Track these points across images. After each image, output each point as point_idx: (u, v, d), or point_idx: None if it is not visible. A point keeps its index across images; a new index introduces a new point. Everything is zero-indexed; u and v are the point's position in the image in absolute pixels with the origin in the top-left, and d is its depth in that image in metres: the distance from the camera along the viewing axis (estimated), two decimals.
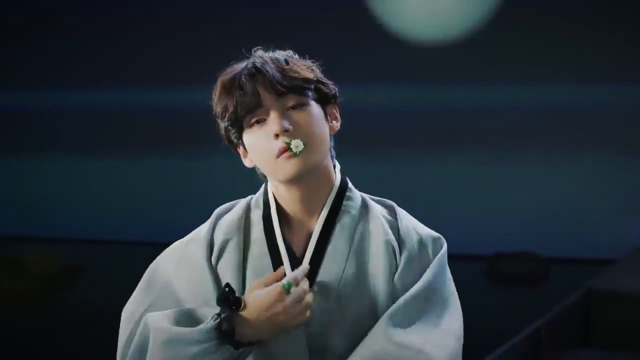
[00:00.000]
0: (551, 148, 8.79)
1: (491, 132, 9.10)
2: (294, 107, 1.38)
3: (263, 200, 1.48)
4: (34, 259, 7.88)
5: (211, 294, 1.41)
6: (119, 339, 1.50)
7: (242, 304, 1.33)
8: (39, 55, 10.60)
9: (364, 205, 1.47)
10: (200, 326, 1.31)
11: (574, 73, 8.16)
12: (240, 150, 1.47)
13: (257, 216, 1.47)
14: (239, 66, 1.45)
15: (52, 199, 10.53)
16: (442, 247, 1.48)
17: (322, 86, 1.43)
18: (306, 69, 1.43)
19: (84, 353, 5.48)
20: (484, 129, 9.14)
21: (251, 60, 1.44)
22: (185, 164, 10.42)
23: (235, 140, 1.46)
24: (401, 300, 1.37)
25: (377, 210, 1.47)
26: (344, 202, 1.44)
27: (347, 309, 1.38)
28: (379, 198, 1.52)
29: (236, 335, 1.30)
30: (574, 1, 8.18)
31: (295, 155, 1.34)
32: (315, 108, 1.41)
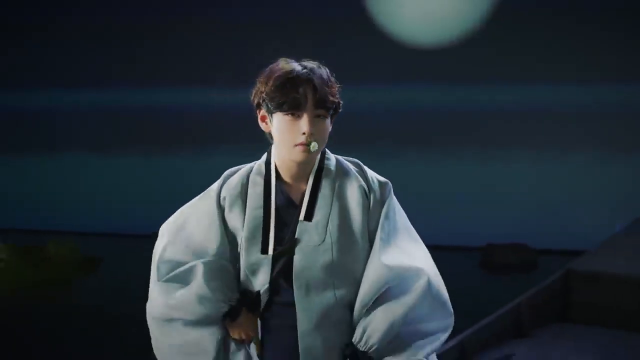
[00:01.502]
0: (540, 146, 9.06)
1: (485, 131, 9.36)
2: (318, 116, 1.82)
3: (265, 166, 1.93)
4: (55, 248, 8.21)
5: (214, 234, 1.88)
6: (154, 251, 1.99)
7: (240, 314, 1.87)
8: (60, 58, 10.89)
9: (339, 163, 1.94)
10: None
11: (563, 75, 8.37)
12: (263, 118, 1.90)
13: (258, 178, 1.92)
14: (292, 67, 1.83)
15: (72, 195, 10.83)
16: (391, 188, 1.95)
17: (338, 107, 1.89)
18: (336, 92, 1.86)
19: (99, 333, 5.88)
20: (478, 128, 9.39)
21: (304, 70, 1.83)
22: (194, 161, 10.66)
23: (265, 112, 1.88)
24: (387, 239, 1.85)
25: (348, 166, 1.95)
26: (325, 162, 1.92)
27: (334, 237, 1.84)
28: (347, 157, 1.98)
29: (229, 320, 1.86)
30: (561, 6, 8.40)
31: (308, 150, 1.82)
32: (328, 120, 1.86)
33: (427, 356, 1.82)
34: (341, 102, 1.88)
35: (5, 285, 7.59)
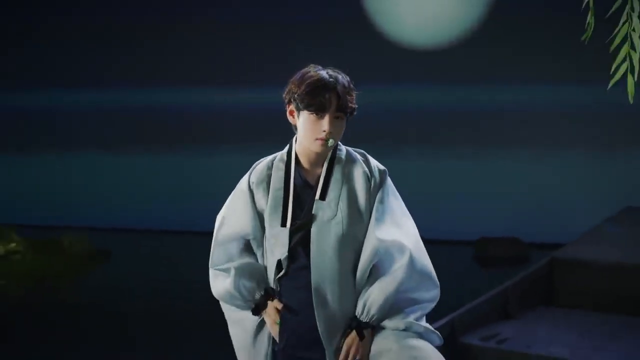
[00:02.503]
0: (533, 144, 9.35)
1: (478, 130, 9.67)
2: (337, 117, 2.20)
3: (287, 155, 2.31)
4: (68, 242, 8.59)
5: (249, 212, 2.28)
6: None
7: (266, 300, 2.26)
8: (82, 58, 11.20)
9: (348, 152, 2.32)
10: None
11: (553, 76, 8.62)
12: (292, 112, 2.26)
13: (280, 164, 2.29)
14: (321, 75, 2.20)
15: (83, 192, 11.13)
16: (388, 174, 2.33)
17: (354, 111, 2.26)
18: (354, 99, 2.25)
19: (108, 319, 6.22)
20: (472, 127, 9.68)
21: (330, 79, 2.20)
22: (196, 159, 10.99)
23: (294, 108, 2.24)
24: (380, 216, 2.21)
25: (356, 155, 2.33)
26: (337, 152, 2.29)
27: (344, 214, 2.21)
28: (355, 148, 2.36)
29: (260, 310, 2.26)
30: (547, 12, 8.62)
31: (327, 144, 2.20)
32: (344, 121, 2.24)
33: (417, 319, 2.18)
34: (356, 106, 2.25)
35: (21, 275, 7.96)
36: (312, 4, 10.03)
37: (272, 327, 2.22)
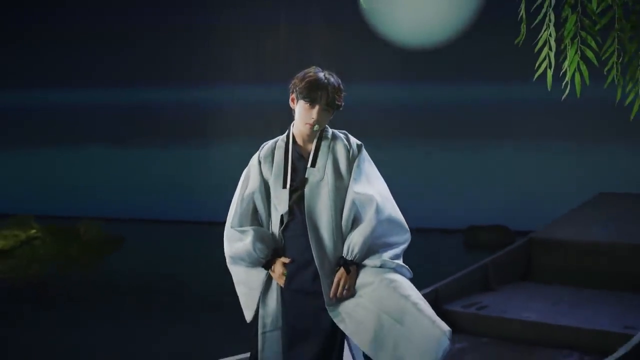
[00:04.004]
0: (518, 139, 9.87)
1: (469, 125, 10.17)
2: (324, 110, 2.77)
3: (286, 136, 2.89)
4: (84, 229, 9.16)
5: (259, 179, 2.84)
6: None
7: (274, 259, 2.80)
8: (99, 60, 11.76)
9: (333, 132, 2.91)
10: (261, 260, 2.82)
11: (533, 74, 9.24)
12: (293, 100, 2.83)
13: (282, 143, 2.88)
14: (318, 75, 2.78)
15: (97, 185, 11.69)
16: (363, 147, 2.89)
17: (339, 107, 2.84)
18: (341, 98, 2.81)
19: (120, 300, 6.72)
20: (462, 122, 10.21)
21: (323, 81, 2.77)
22: (204, 153, 11.59)
23: (295, 97, 2.80)
24: (356, 177, 2.78)
25: (339, 134, 2.91)
26: (324, 132, 2.87)
27: (329, 177, 2.78)
28: (340, 130, 2.93)
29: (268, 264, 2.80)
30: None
31: (313, 129, 2.78)
32: (330, 112, 2.80)
33: (391, 258, 2.74)
34: (343, 103, 2.82)
35: (42, 258, 8.56)
36: (319, 11, 10.58)
37: (279, 278, 2.79)
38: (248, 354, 2.91)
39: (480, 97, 9.80)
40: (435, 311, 4.91)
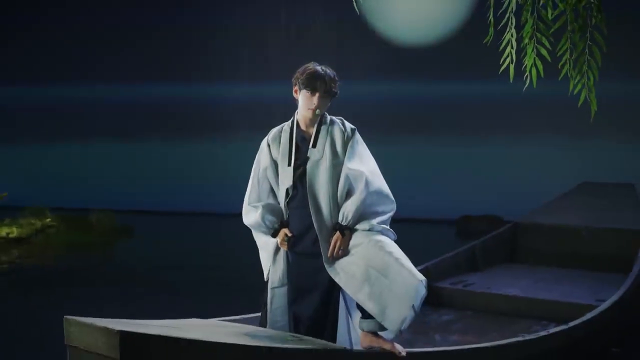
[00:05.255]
0: (510, 133, 10.32)
1: (462, 120, 10.63)
2: (323, 97, 3.23)
3: (291, 122, 3.35)
4: (96, 218, 9.61)
5: (268, 159, 3.30)
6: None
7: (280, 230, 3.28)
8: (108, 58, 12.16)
9: (331, 118, 3.36)
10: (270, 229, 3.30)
11: (522, 72, 9.60)
12: (296, 91, 3.29)
13: (287, 127, 3.34)
14: (315, 68, 3.26)
15: (107, 178, 12.11)
16: (357, 131, 3.34)
17: (335, 95, 3.30)
18: (336, 86, 3.28)
19: (129, 285, 7.04)
20: (456, 118, 10.65)
21: (321, 72, 3.24)
22: (211, 147, 11.99)
23: (297, 87, 3.27)
24: (350, 156, 3.24)
25: (336, 120, 3.36)
26: (323, 117, 3.33)
27: (327, 156, 3.22)
28: (337, 116, 3.38)
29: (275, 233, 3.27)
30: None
31: (315, 113, 3.23)
32: (328, 99, 3.26)
33: (378, 223, 3.21)
34: (338, 91, 3.30)
35: (57, 245, 9.05)
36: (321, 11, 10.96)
37: (282, 244, 3.26)
38: (259, 314, 3.37)
39: (473, 94, 10.22)
40: (426, 288, 5.35)
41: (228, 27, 11.75)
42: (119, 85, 12.21)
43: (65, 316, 2.44)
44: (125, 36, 12.21)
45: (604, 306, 4.46)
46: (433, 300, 5.28)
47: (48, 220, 9.32)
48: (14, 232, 8.92)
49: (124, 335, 2.22)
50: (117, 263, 8.33)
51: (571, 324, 4.13)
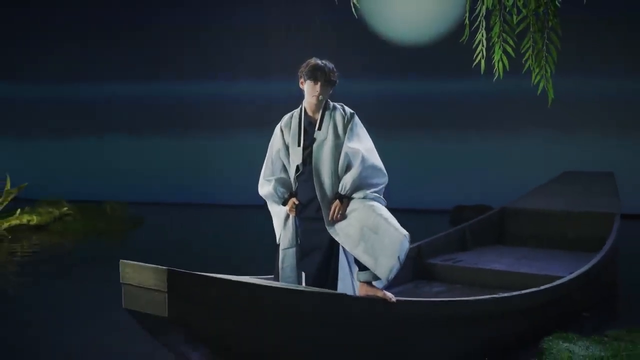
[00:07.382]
0: (500, 127, 10.84)
1: (459, 116, 11.12)
2: (324, 85, 3.79)
3: (300, 109, 3.92)
4: (110, 208, 10.17)
5: (281, 141, 3.87)
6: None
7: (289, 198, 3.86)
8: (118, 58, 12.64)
9: (333, 104, 3.90)
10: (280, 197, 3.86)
11: (515, 70, 10.04)
12: (302, 82, 3.83)
13: (296, 113, 3.89)
14: (317, 62, 3.81)
15: (121, 171, 12.58)
16: (356, 114, 3.89)
17: (335, 83, 3.86)
18: (335, 77, 3.82)
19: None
20: (453, 114, 11.13)
21: (321, 65, 3.79)
22: (216, 142, 12.43)
23: (303, 79, 3.81)
24: (350, 136, 3.80)
25: (337, 106, 3.91)
26: (326, 104, 3.88)
27: (330, 137, 3.77)
28: (339, 103, 3.94)
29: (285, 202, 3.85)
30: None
31: (318, 99, 3.81)
32: (329, 87, 3.81)
33: (372, 192, 3.76)
34: (337, 80, 3.86)
35: (73, 232, 9.62)
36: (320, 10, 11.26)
37: (291, 211, 3.83)
38: (272, 275, 3.95)
39: (467, 91, 10.69)
40: (417, 264, 5.90)
41: (236, 26, 12.23)
42: (131, 83, 12.71)
43: (120, 260, 3.00)
44: (138, 37, 12.72)
45: (572, 276, 5.04)
46: (425, 275, 5.89)
47: (65, 209, 9.88)
48: (34, 219, 9.49)
49: (171, 272, 2.79)
50: (128, 248, 8.83)
51: (542, 287, 4.70)
